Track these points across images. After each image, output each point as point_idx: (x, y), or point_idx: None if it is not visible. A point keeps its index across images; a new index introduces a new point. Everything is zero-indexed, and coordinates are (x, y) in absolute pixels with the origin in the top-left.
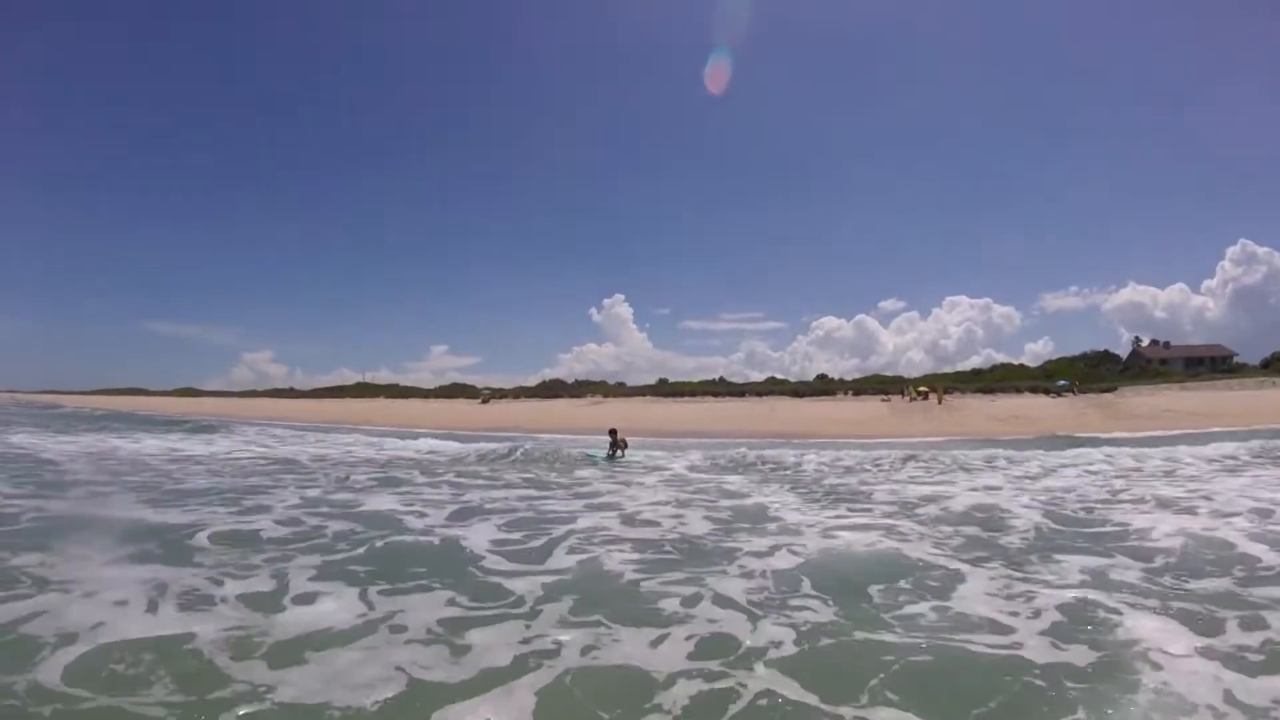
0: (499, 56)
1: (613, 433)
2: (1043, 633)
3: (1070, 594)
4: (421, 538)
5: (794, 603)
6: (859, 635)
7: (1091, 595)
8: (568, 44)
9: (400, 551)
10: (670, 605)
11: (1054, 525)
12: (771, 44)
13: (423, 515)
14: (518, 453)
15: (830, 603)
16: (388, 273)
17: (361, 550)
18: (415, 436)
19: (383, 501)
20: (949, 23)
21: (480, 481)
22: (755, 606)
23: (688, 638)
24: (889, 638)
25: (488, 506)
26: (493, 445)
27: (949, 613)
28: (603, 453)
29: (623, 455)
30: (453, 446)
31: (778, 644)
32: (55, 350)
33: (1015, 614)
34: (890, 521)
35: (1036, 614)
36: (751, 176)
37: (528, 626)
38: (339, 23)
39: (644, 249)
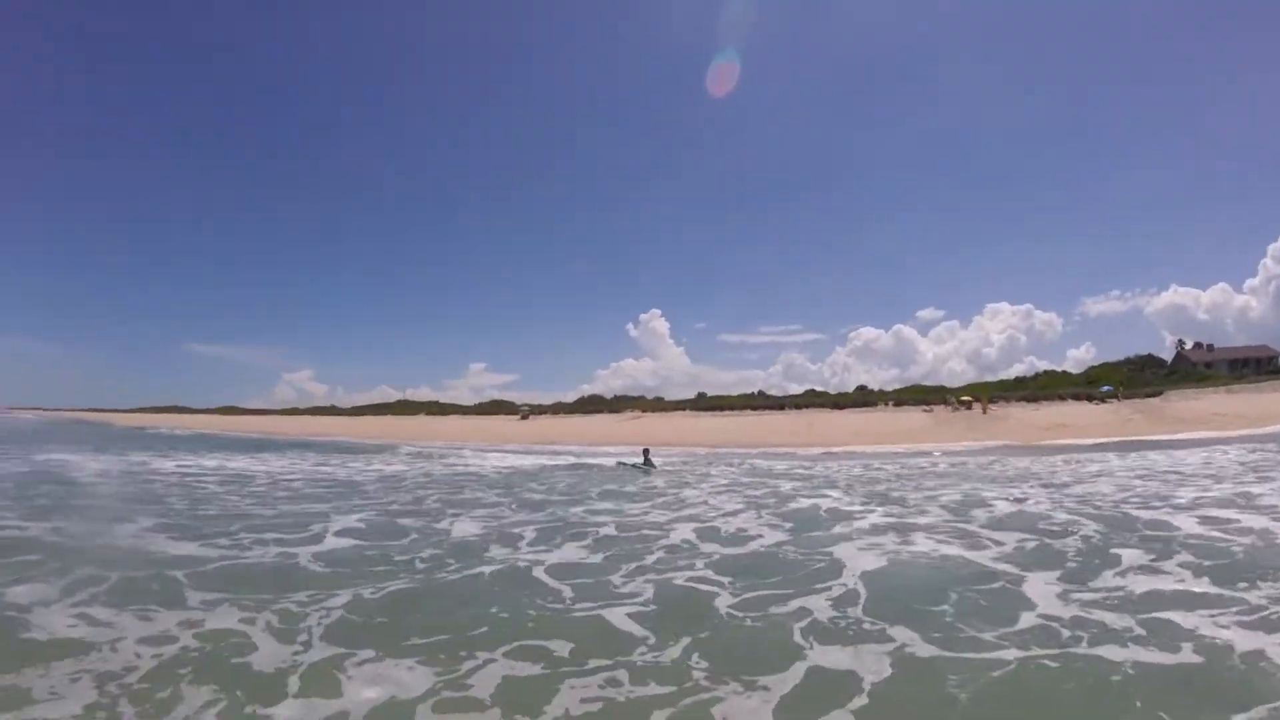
0: (535, 76)
1: (645, 452)
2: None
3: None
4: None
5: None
6: (954, 656)
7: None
8: (602, 60)
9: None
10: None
11: (1117, 531)
12: (801, 52)
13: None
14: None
15: (915, 625)
16: (426, 291)
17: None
18: (500, 451)
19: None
20: (982, 24)
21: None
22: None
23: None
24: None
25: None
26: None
27: (1054, 620)
28: (636, 460)
29: (653, 467)
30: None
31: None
32: (98, 372)
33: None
34: (963, 530)
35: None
36: (786, 187)
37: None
38: (378, 45)
39: (680, 263)
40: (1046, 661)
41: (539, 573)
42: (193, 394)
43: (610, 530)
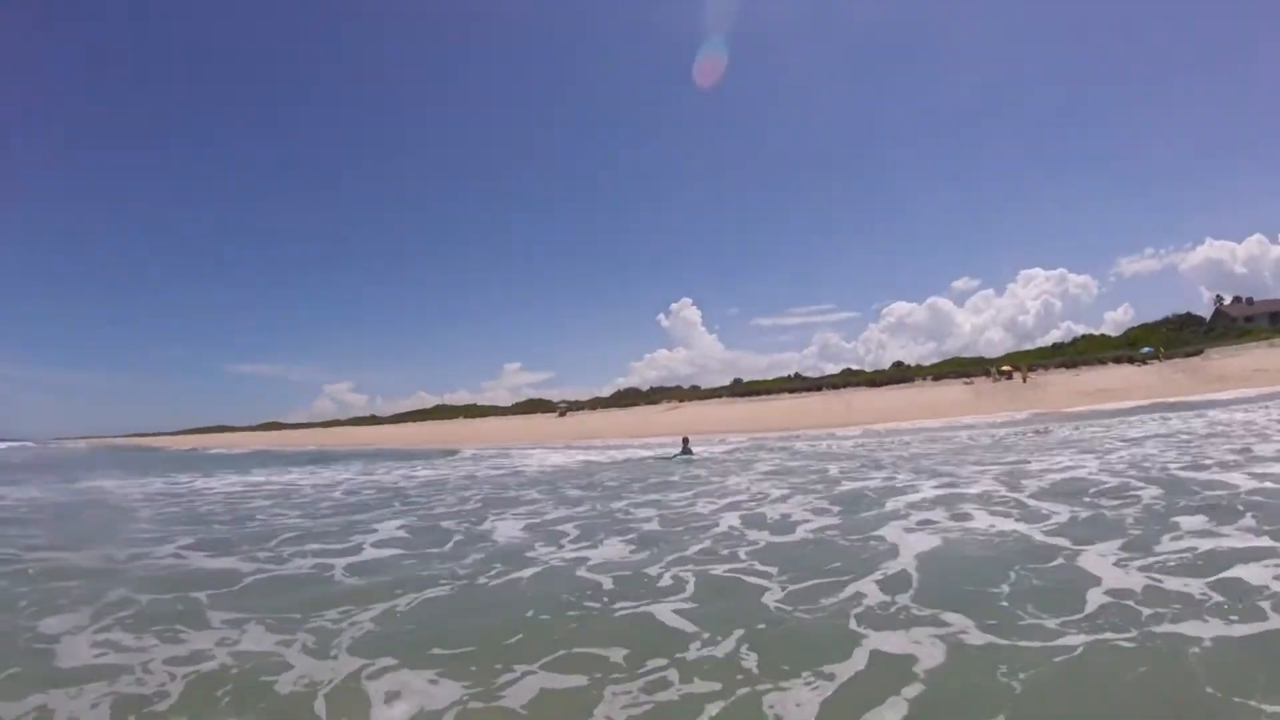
0: (557, 69)
1: (685, 440)
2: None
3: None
4: None
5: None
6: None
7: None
8: (622, 50)
9: None
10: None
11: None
12: (822, 28)
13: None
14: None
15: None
16: (457, 297)
17: None
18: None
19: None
20: None
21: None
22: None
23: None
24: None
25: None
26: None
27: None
28: (677, 451)
29: (691, 455)
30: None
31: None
32: (142, 397)
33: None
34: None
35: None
36: (810, 166)
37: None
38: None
39: (707, 250)
40: (1118, 642)
41: (582, 571)
42: (236, 413)
43: (654, 525)
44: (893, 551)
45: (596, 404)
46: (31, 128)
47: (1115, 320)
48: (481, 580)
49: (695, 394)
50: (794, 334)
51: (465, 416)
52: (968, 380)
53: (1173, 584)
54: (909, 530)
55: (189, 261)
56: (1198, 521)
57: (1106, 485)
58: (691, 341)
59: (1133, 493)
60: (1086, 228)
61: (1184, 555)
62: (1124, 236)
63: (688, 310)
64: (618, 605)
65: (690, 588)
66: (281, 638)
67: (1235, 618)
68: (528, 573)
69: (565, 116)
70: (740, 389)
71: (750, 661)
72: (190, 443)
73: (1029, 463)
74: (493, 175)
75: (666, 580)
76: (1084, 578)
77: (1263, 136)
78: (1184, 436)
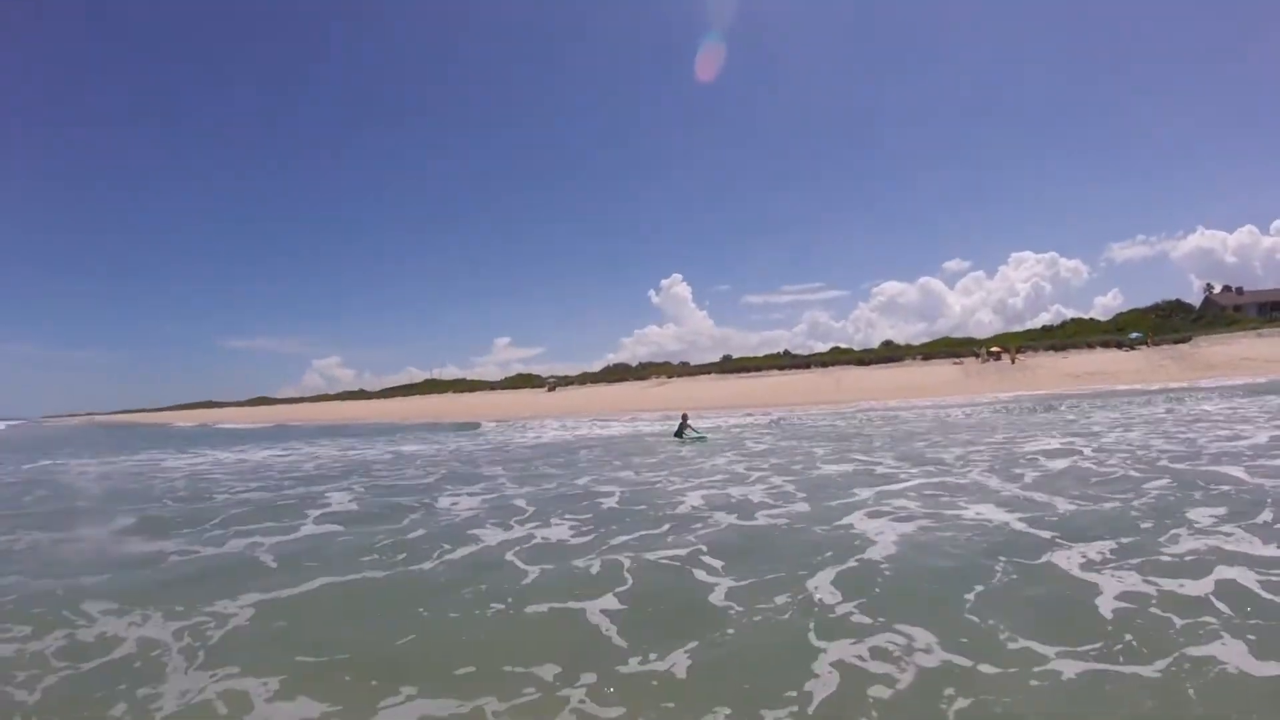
0: (546, 45)
1: (684, 417)
2: None
3: None
4: None
5: None
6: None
7: None
8: (614, 26)
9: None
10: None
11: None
12: (819, 13)
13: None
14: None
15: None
16: (447, 271)
17: None
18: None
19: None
20: None
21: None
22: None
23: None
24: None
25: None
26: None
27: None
28: (689, 432)
29: (692, 431)
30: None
31: None
32: (136, 373)
33: None
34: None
35: None
36: (803, 146)
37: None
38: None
39: (699, 226)
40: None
41: (522, 556)
42: (225, 388)
43: (614, 503)
44: (863, 545)
45: (585, 379)
46: (26, 110)
47: (1105, 305)
48: (407, 566)
49: (684, 370)
50: (784, 312)
51: (454, 391)
52: (957, 360)
53: (1167, 587)
54: (884, 519)
55: (180, 238)
56: (1200, 514)
57: (1098, 474)
58: (682, 318)
59: (1125, 484)
60: (1079, 212)
61: (1178, 556)
62: (1116, 222)
63: (678, 286)
64: (542, 604)
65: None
66: (143, 634)
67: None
68: (460, 553)
69: (557, 97)
70: (730, 366)
71: (684, 676)
72: (195, 418)
73: (1018, 445)
74: (485, 153)
75: (599, 569)
76: (1067, 580)
77: (1257, 128)
78: (1171, 424)
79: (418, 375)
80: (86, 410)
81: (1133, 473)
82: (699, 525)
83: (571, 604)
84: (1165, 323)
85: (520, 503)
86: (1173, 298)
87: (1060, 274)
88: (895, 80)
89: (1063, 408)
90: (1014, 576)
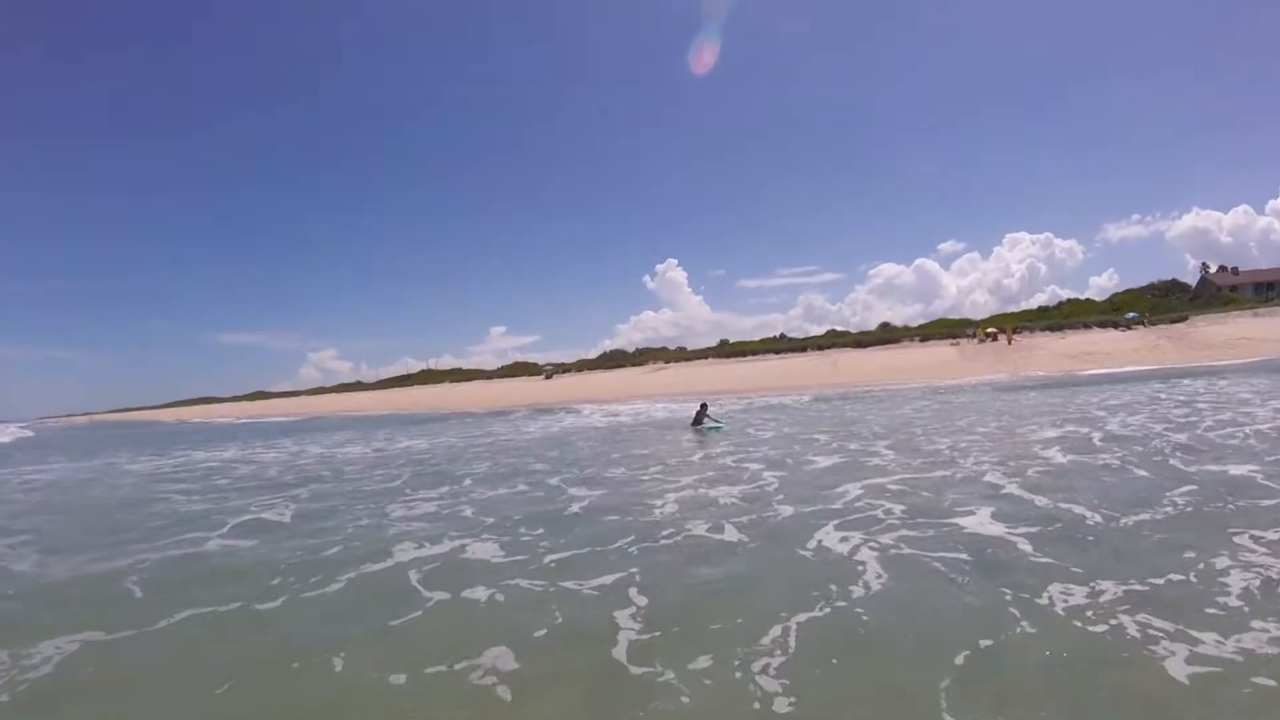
0: (538, 30)
1: (703, 406)
2: None
3: None
4: None
5: None
6: None
7: None
8: (606, 9)
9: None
10: None
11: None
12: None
13: None
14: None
15: None
16: (441, 261)
17: None
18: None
19: None
20: None
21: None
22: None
23: None
24: None
25: None
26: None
27: None
28: (707, 421)
29: (711, 421)
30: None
31: None
32: (125, 372)
33: None
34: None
35: None
36: (798, 130)
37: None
38: (383, 32)
39: (693, 210)
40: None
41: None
42: (222, 384)
43: (579, 508)
44: (833, 575)
45: (583, 366)
46: (12, 110)
47: (1100, 285)
48: (286, 593)
49: (681, 355)
50: (780, 295)
51: (451, 381)
52: (954, 341)
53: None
54: (865, 535)
55: (172, 234)
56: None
57: (1111, 471)
58: (677, 303)
59: (1139, 484)
60: (1074, 193)
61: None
62: (1111, 203)
63: (673, 271)
64: (408, 657)
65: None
66: None
67: None
68: (357, 575)
69: (551, 86)
70: (726, 350)
71: None
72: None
73: (1020, 433)
74: (478, 142)
75: (501, 605)
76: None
77: (1251, 110)
78: (1174, 406)
79: (414, 366)
80: (82, 411)
81: (1147, 472)
82: (655, 542)
83: (439, 665)
84: (1161, 302)
85: (469, 512)
86: (1168, 278)
87: (1055, 255)
88: (890, 64)
89: (1057, 391)
90: (1022, 631)
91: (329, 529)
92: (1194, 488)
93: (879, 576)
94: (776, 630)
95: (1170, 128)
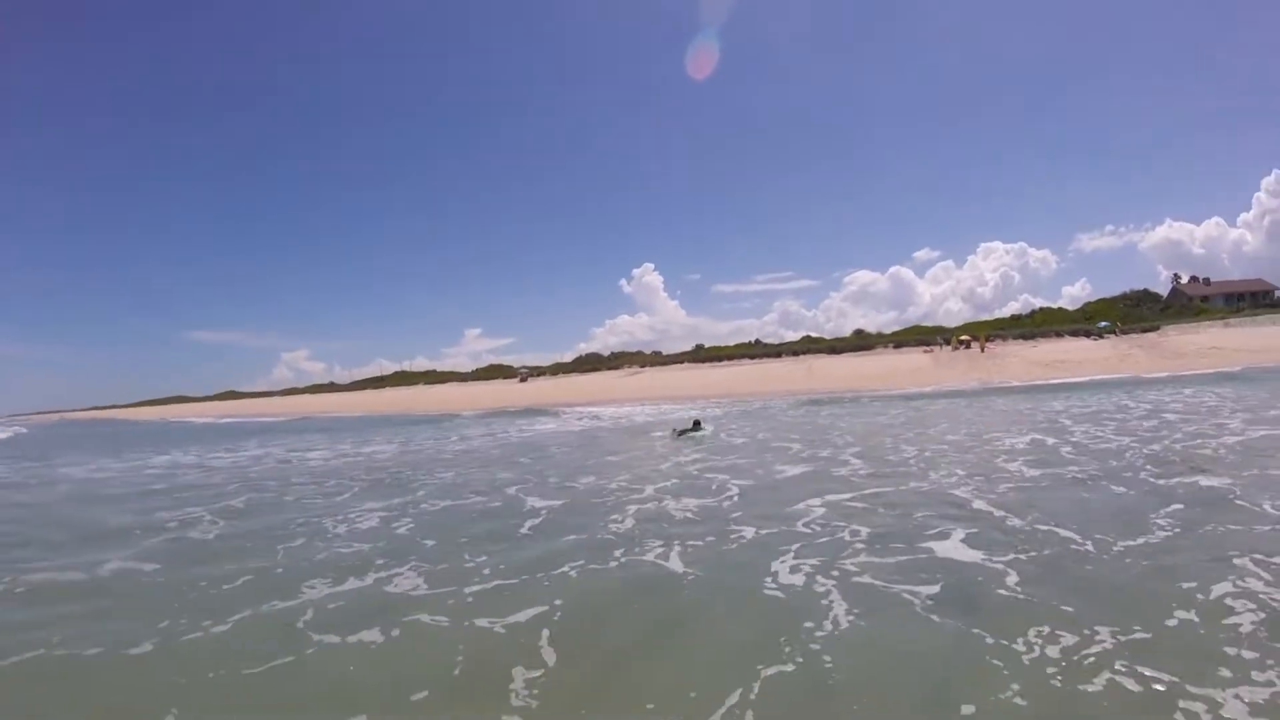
0: (516, 30)
1: (696, 423)
2: None
3: None
4: None
5: None
6: None
7: None
8: (585, 13)
9: None
10: None
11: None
12: (790, 9)
13: None
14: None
15: None
16: (416, 262)
17: None
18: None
19: None
20: None
21: None
22: None
23: None
24: None
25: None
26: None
27: None
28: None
29: (700, 431)
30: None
31: None
32: (93, 369)
33: None
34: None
35: None
36: (775, 136)
37: None
38: (361, 31)
39: (670, 215)
40: None
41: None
42: (194, 383)
43: (531, 526)
44: (786, 617)
45: (558, 369)
46: None
47: (1073, 294)
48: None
49: (657, 359)
50: (755, 301)
51: (425, 383)
52: (927, 348)
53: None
54: (826, 562)
55: (146, 230)
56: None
57: (1086, 487)
58: (654, 307)
59: (1119, 500)
60: (1048, 203)
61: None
62: (1085, 213)
63: (650, 275)
64: None
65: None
66: None
67: None
68: (251, 615)
69: (529, 90)
70: (701, 355)
71: None
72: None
73: (992, 440)
74: (455, 144)
75: (394, 651)
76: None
77: (1226, 124)
78: (1144, 416)
79: (388, 367)
80: (49, 408)
81: (1125, 488)
82: (603, 564)
83: None
84: (1133, 312)
85: (409, 530)
86: (1141, 288)
87: (1029, 264)
88: (867, 74)
89: (1029, 399)
90: (1006, 687)
91: (248, 551)
92: (1179, 506)
93: (843, 617)
94: (716, 691)
95: (1145, 140)
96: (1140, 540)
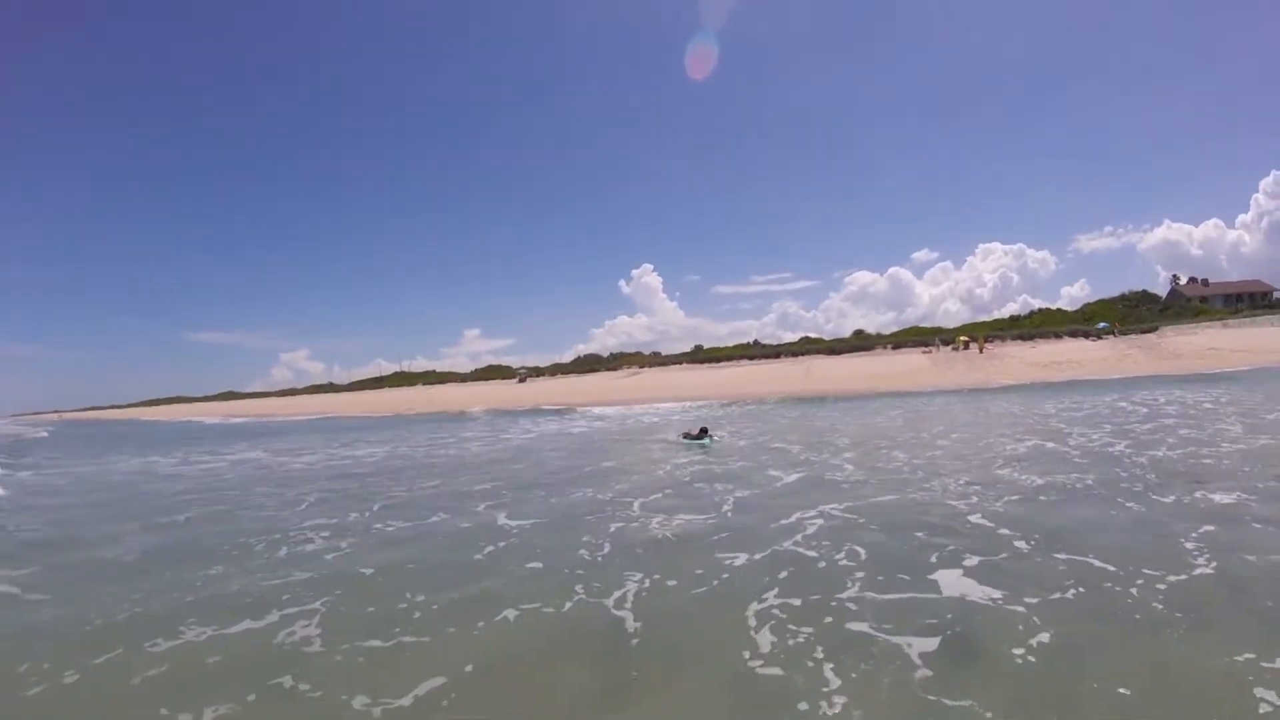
0: (516, 32)
1: (703, 430)
2: None
3: None
4: None
5: None
6: None
7: None
8: (584, 13)
9: None
10: None
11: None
12: (788, 6)
13: None
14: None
15: None
16: (415, 263)
17: None
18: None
19: None
20: None
21: None
22: None
23: None
24: None
25: None
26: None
27: None
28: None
29: (708, 439)
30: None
31: None
32: (92, 369)
33: None
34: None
35: None
36: (774, 137)
37: None
38: (361, 31)
39: (670, 216)
40: None
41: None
42: (194, 383)
43: (503, 545)
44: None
45: (557, 370)
46: None
47: (1071, 295)
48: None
49: (656, 360)
50: (754, 302)
51: (424, 383)
52: (926, 349)
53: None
54: (810, 603)
55: (144, 229)
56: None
57: (1092, 504)
58: (653, 308)
59: (1124, 520)
60: (1047, 205)
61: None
62: (1084, 214)
63: (649, 276)
64: None
65: None
66: None
67: None
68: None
69: (528, 92)
70: (700, 356)
71: None
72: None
73: (993, 450)
74: (456, 146)
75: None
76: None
77: (1224, 126)
78: (1148, 417)
79: (387, 367)
80: (49, 408)
81: (1138, 505)
82: (557, 609)
83: None
84: (1132, 312)
85: (349, 557)
86: (1139, 289)
87: (1028, 265)
88: (866, 75)
89: (1028, 400)
90: None
91: (151, 575)
92: (1209, 528)
93: (828, 686)
94: None
95: (1144, 142)
96: (1174, 576)
